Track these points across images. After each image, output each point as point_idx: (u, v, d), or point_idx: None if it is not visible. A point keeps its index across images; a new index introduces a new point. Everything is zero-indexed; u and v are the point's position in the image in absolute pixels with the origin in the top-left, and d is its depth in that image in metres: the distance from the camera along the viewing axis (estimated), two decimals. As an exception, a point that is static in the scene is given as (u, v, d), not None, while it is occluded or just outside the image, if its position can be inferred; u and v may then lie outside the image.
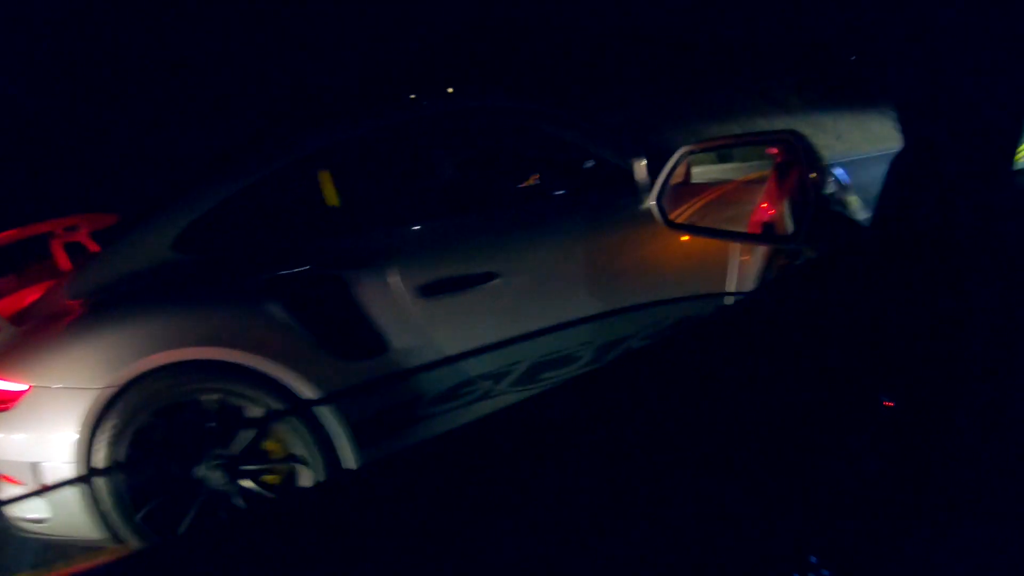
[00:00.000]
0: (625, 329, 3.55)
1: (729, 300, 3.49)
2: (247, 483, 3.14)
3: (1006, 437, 1.19)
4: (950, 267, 1.28)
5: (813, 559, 1.00)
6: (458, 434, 1.18)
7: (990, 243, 1.33)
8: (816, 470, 1.09)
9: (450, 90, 4.33)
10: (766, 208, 1.57)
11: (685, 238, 3.59)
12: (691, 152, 1.56)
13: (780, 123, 20.79)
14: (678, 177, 1.56)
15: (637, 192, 3.62)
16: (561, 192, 4.12)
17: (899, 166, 1.27)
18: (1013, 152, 1.26)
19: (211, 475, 3.09)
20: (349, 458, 3.27)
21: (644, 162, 3.54)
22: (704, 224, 1.63)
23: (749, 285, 3.59)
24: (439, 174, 3.97)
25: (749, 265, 3.64)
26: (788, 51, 22.65)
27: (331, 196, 3.63)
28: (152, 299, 3.29)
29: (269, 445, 3.23)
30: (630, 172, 3.64)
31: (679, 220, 1.62)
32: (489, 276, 3.48)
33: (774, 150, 1.43)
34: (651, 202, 1.56)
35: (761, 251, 3.55)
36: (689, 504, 1.04)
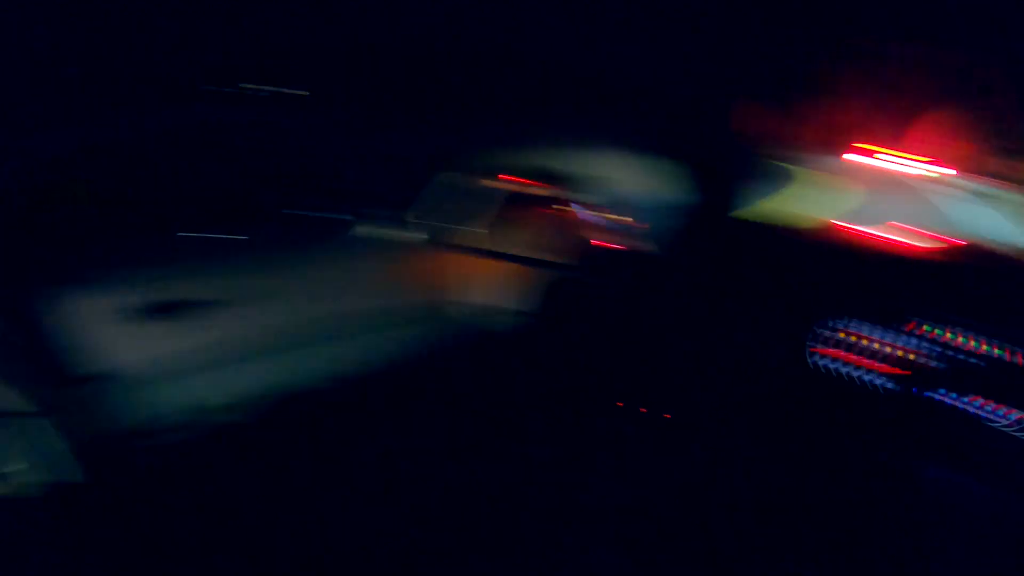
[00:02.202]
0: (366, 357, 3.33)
1: (477, 314, 3.61)
2: None
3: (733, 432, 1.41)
4: (684, 295, 1.50)
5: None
6: (184, 453, 1.19)
7: (720, 276, 1.56)
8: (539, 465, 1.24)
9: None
10: (539, 235, 1.72)
11: (446, 260, 3.63)
12: (457, 180, 1.69)
13: (594, 157, 21.42)
14: (447, 201, 1.69)
15: (385, 216, 3.65)
16: (305, 215, 4.00)
17: (659, 210, 1.48)
18: (729, 206, 1.50)
19: None
20: (74, 476, 3.06)
21: (398, 186, 3.59)
22: (481, 247, 1.77)
23: (500, 303, 3.70)
24: (171, 189, 3.78)
25: (501, 284, 3.74)
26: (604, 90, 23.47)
27: (57, 208, 3.35)
28: None
29: None
30: (384, 196, 3.67)
31: (456, 241, 1.76)
32: (220, 301, 3.32)
33: (550, 188, 1.59)
34: (413, 221, 1.67)
35: (519, 271, 3.67)
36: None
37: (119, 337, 3.17)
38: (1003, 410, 1.59)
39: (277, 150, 3.99)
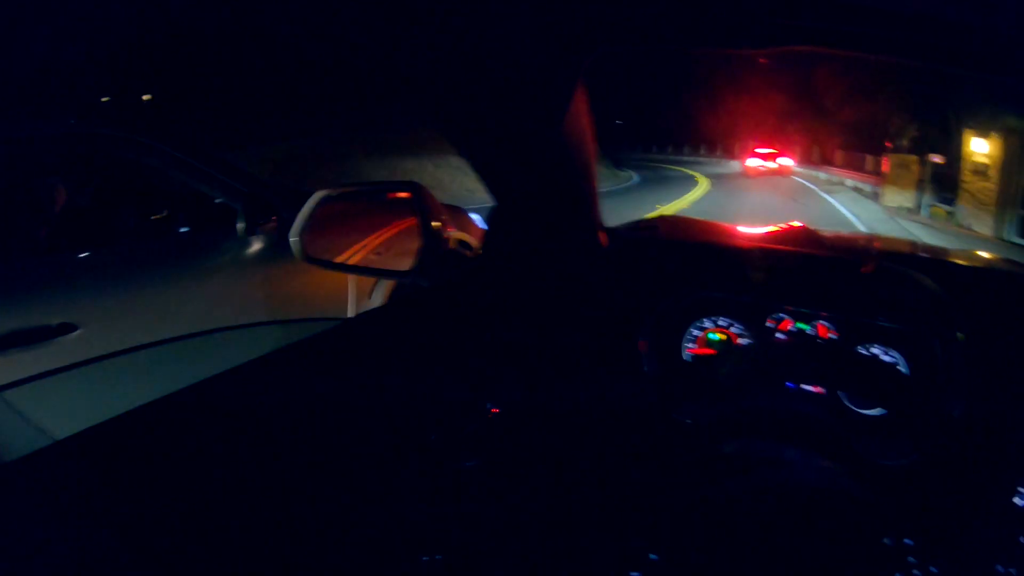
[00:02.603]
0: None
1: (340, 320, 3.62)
2: None
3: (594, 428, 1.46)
4: (540, 300, 1.55)
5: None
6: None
7: (575, 281, 1.62)
8: (415, 467, 1.27)
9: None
10: (397, 246, 1.77)
11: (313, 274, 3.61)
12: (327, 197, 1.73)
13: (428, 164, 21.61)
14: (327, 215, 1.72)
15: (236, 233, 3.60)
16: (161, 231, 3.92)
17: (493, 217, 1.53)
18: (588, 209, 1.57)
19: None
20: None
21: (246, 202, 3.57)
22: (345, 261, 1.80)
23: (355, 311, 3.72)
24: (24, 207, 3.64)
25: (367, 296, 3.77)
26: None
27: None
28: None
29: None
30: (237, 211, 3.61)
31: (318, 257, 1.78)
32: (68, 327, 3.17)
33: (408, 194, 1.63)
34: (292, 238, 1.70)
35: (384, 283, 3.70)
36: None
37: None
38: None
39: (130, 164, 3.90)
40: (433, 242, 1.51)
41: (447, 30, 1.16)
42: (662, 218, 2.10)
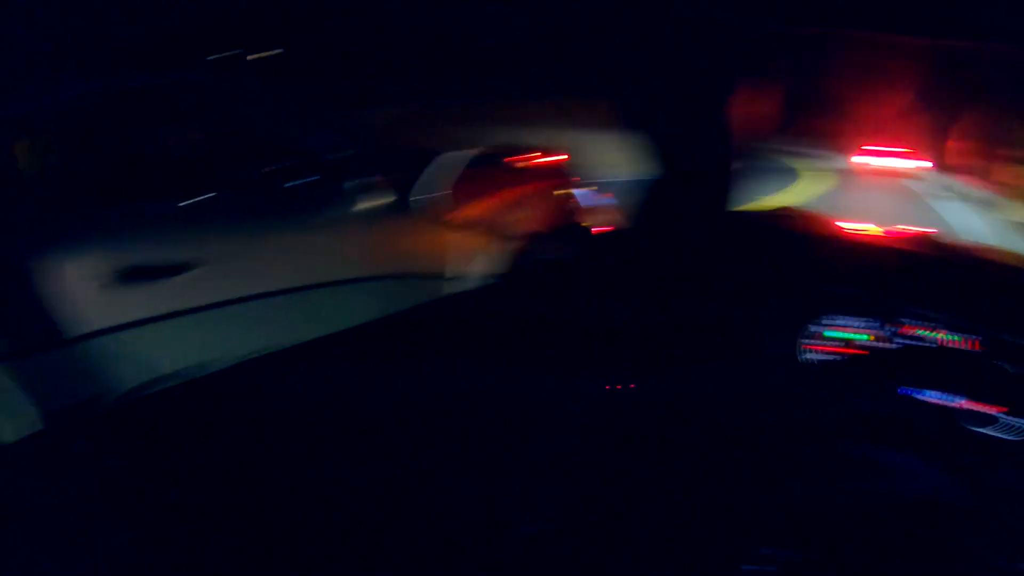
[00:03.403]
0: (332, 326, 3.44)
1: (455, 285, 3.64)
2: None
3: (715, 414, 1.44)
4: (669, 280, 1.53)
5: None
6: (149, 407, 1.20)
7: (705, 264, 1.59)
8: (536, 441, 1.27)
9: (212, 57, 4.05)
10: (527, 215, 1.77)
11: (433, 232, 3.65)
12: (450, 158, 1.73)
13: (579, 138, 21.73)
14: (454, 178, 1.72)
15: (348, 188, 3.66)
16: (267, 184, 4.03)
17: (641, 194, 1.51)
18: (726, 197, 1.54)
19: None
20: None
21: (359, 159, 3.59)
22: (466, 223, 1.81)
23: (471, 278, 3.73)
24: (145, 151, 3.80)
25: (470, 258, 3.77)
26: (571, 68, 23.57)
27: (28, 167, 3.40)
28: None
29: None
30: (349, 167, 3.65)
31: (450, 217, 1.79)
32: (181, 267, 3.34)
33: (541, 164, 1.62)
34: (418, 196, 1.71)
35: (489, 248, 3.71)
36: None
37: (95, 301, 3.20)
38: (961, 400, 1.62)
39: (252, 116, 4.00)
40: (564, 212, 1.51)
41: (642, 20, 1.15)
42: (786, 209, 2.05)
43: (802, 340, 1.70)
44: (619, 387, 1.40)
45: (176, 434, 1.09)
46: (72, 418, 3.10)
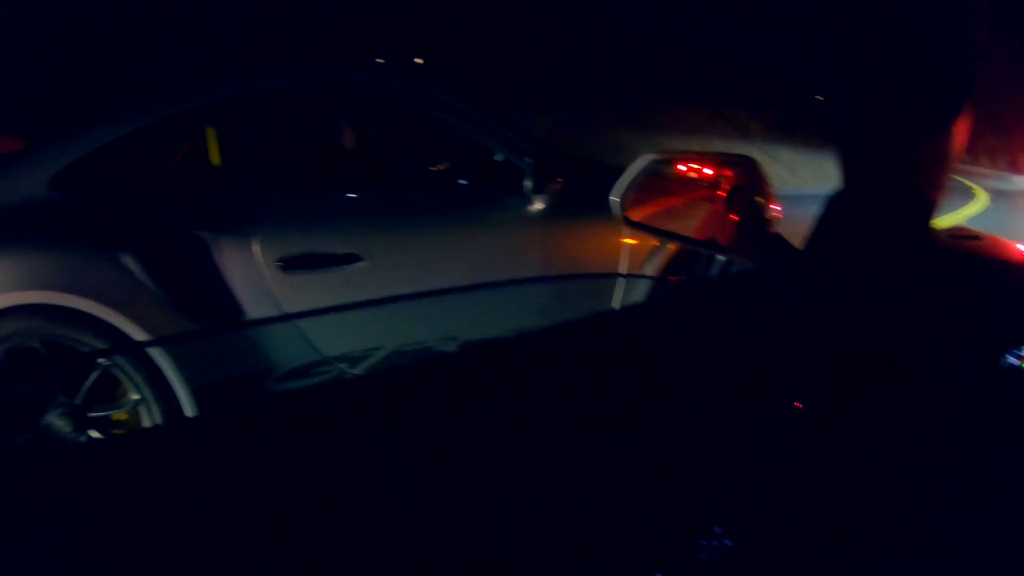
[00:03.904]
0: (495, 328, 3.45)
1: (622, 284, 3.59)
2: (94, 432, 3.13)
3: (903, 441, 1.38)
4: (864, 296, 1.47)
5: (718, 528, 1.16)
6: (304, 403, 1.25)
7: (902, 282, 1.52)
8: (724, 457, 1.25)
9: (380, 61, 4.20)
10: (710, 222, 1.74)
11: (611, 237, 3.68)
12: (654, 160, 1.73)
13: (738, 148, 21.51)
14: (644, 182, 1.73)
15: (523, 191, 3.68)
16: (441, 182, 4.10)
17: (831, 206, 1.46)
18: (933, 211, 1.46)
19: (58, 423, 3.05)
20: (190, 413, 3.26)
21: (535, 162, 3.66)
22: (656, 225, 1.80)
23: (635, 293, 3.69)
24: (322, 146, 3.95)
25: (640, 264, 3.73)
26: (757, 79, 23.17)
27: (213, 154, 3.57)
28: (13, 237, 3.16)
29: (119, 392, 3.21)
30: (521, 170, 3.71)
31: (636, 219, 1.78)
32: (353, 257, 3.48)
33: (730, 171, 1.60)
34: (613, 199, 1.71)
35: (654, 260, 3.65)
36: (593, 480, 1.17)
37: (259, 286, 3.35)
38: None
39: (415, 115, 4.10)
40: (758, 222, 1.47)
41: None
42: (979, 232, 1.93)
43: (998, 371, 1.59)
44: (799, 406, 1.35)
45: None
46: (233, 399, 3.28)
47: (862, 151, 1.36)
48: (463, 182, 4.02)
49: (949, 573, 1.13)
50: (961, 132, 1.35)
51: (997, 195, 25.98)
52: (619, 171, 1.82)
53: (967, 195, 24.78)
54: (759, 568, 1.19)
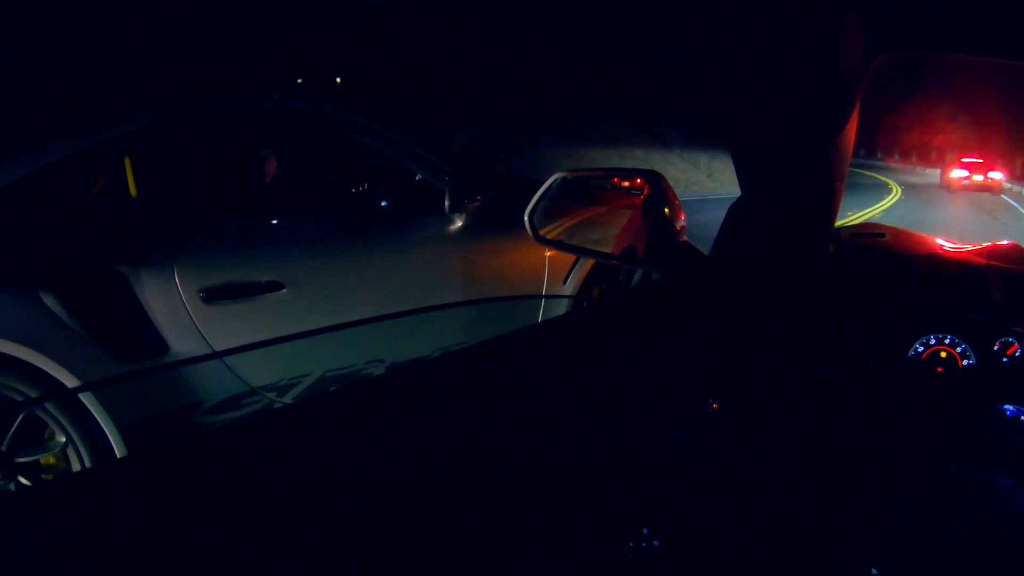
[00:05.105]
0: (421, 348, 3.49)
1: (557, 304, 3.66)
2: (22, 479, 2.98)
3: (805, 436, 1.45)
4: (771, 297, 1.54)
5: (645, 531, 1.20)
6: (229, 433, 1.25)
7: (806, 282, 1.60)
8: (648, 458, 1.30)
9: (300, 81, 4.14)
10: (627, 232, 1.80)
11: (543, 253, 3.75)
12: (564, 179, 1.78)
13: (657, 156, 21.86)
14: (556, 197, 1.78)
15: (443, 209, 3.71)
16: (359, 205, 4.11)
17: (734, 213, 1.53)
18: (832, 213, 1.54)
19: None
20: (119, 452, 3.12)
21: (452, 181, 3.69)
22: (569, 242, 1.85)
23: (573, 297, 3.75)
24: (241, 173, 3.92)
25: (561, 280, 3.80)
26: (674, 89, 23.64)
27: (129, 185, 3.47)
28: None
29: (46, 434, 3.10)
30: (441, 190, 3.73)
31: (549, 236, 1.83)
32: (276, 285, 3.44)
33: (638, 183, 1.66)
34: (524, 217, 1.76)
35: (577, 271, 3.73)
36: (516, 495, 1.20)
37: (181, 318, 3.30)
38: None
39: (334, 138, 4.09)
40: (667, 232, 1.53)
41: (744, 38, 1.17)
42: (883, 227, 2.03)
43: (905, 359, 1.68)
44: (715, 405, 1.41)
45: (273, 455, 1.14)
46: (161, 435, 3.21)
47: (755, 159, 1.43)
48: (383, 204, 4.03)
49: (857, 552, 1.19)
50: (850, 137, 1.43)
51: (909, 188, 27.00)
52: (537, 186, 1.87)
53: (883, 190, 25.70)
54: (688, 566, 1.24)
